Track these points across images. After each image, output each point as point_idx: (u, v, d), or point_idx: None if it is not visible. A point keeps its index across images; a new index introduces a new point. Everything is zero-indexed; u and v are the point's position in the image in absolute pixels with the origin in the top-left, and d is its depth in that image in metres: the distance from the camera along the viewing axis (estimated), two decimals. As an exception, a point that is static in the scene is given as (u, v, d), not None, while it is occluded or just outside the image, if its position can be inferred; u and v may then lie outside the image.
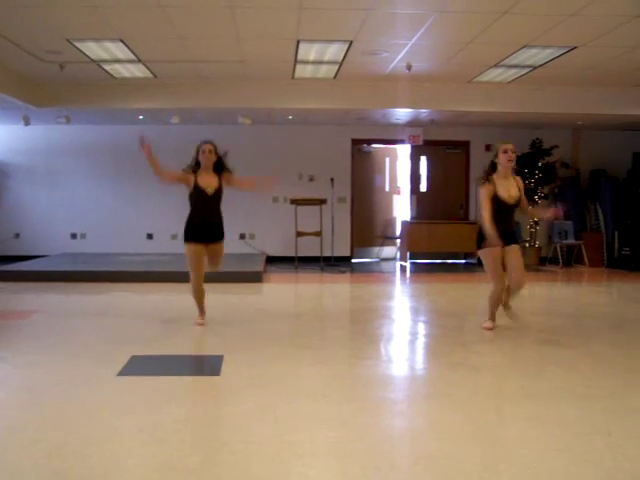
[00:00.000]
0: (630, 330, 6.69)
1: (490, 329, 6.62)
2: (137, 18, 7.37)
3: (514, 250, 6.42)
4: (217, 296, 9.03)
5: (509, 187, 6.39)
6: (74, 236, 13.71)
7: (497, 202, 6.32)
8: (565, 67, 9.38)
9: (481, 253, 6.51)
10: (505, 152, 6.32)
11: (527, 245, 13.63)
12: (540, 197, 13.30)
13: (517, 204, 6.43)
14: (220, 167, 6.69)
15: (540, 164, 13.20)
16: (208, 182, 6.54)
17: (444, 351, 5.83)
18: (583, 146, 14.18)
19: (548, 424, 3.79)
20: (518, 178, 6.56)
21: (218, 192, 6.61)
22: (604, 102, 11.02)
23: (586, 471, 3.10)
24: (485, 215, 6.33)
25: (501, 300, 6.65)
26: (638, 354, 5.60)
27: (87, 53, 8.78)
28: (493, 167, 6.41)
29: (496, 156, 6.40)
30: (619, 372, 4.77)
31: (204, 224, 6.59)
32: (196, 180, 6.53)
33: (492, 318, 6.74)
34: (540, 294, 10.18)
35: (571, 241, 13.30)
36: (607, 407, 4.15)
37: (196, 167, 6.59)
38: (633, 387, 4.58)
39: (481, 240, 6.44)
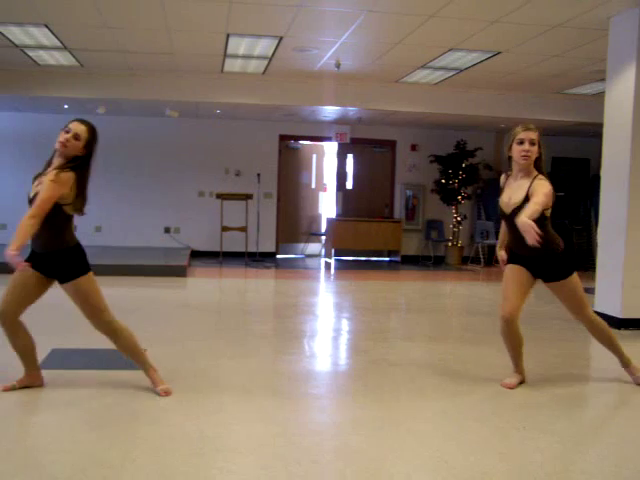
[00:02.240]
0: (542, 327, 6.91)
1: (511, 387, 4.57)
2: (63, 3, 7.19)
3: (559, 290, 4.51)
4: (140, 290, 8.94)
5: (516, 191, 4.40)
6: (-8, 226, 13.33)
7: (499, 211, 4.56)
8: (489, 71, 9.61)
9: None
10: (521, 143, 4.35)
11: (450, 245, 13.91)
12: (463, 197, 13.60)
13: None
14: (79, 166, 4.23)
15: (464, 165, 13.48)
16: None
17: (366, 347, 5.91)
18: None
19: (465, 419, 3.89)
20: (541, 181, 4.31)
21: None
22: (525, 107, 11.32)
23: (500, 464, 3.20)
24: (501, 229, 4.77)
25: (514, 344, 4.58)
26: (552, 350, 5.79)
27: (10, 37, 8.52)
28: (509, 162, 4.54)
29: (509, 148, 4.45)
30: (531, 367, 4.93)
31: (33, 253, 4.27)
32: None
33: (516, 369, 4.68)
34: (460, 293, 10.42)
35: (493, 241, 13.62)
36: (521, 402, 4.29)
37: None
38: (545, 382, 4.73)
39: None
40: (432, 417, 3.95)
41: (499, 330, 4.55)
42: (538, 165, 4.42)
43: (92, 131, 4.25)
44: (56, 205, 3.96)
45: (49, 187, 3.90)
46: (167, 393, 4.16)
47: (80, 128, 4.15)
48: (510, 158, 4.47)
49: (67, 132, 4.09)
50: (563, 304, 4.61)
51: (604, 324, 4.69)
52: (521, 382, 4.65)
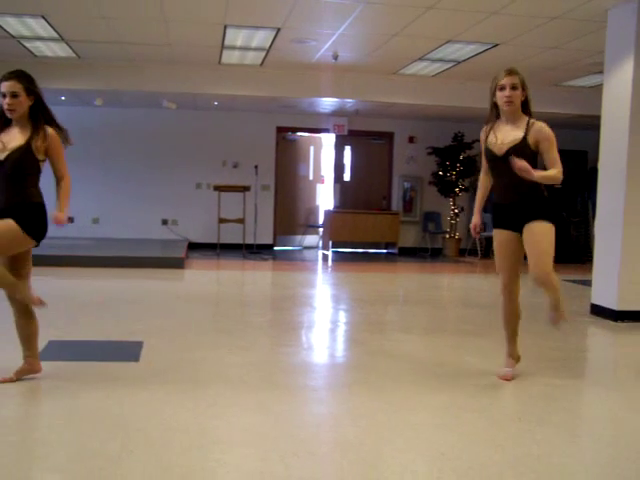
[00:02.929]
0: (538, 320, 6.92)
1: (507, 379, 4.53)
2: (60, -5, 7.19)
3: (530, 230, 4.29)
4: (137, 281, 8.94)
5: (510, 132, 4.30)
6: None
7: (489, 156, 4.40)
8: (487, 63, 9.59)
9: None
10: (502, 89, 4.23)
11: (447, 237, 13.92)
12: (461, 189, 13.61)
13: (517, 154, 4.14)
14: (37, 118, 4.02)
15: (462, 157, 13.48)
16: (7, 140, 3.95)
17: (364, 339, 5.91)
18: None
19: (462, 411, 3.90)
20: (539, 124, 4.29)
21: (16, 157, 3.89)
22: (523, 99, 11.28)
23: (497, 456, 3.21)
24: (480, 176, 4.70)
25: (512, 318, 4.59)
26: (549, 342, 5.80)
27: (6, 28, 8.49)
28: (496, 110, 4.37)
29: (493, 94, 4.32)
30: (531, 359, 4.94)
31: None
32: None
33: (510, 351, 4.60)
34: (458, 285, 10.43)
35: (490, 233, 13.59)
36: (518, 394, 4.30)
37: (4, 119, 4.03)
38: (541, 374, 4.74)
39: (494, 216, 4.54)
40: (429, 409, 3.95)
41: (500, 305, 4.56)
42: (527, 108, 4.34)
43: (22, 76, 4.00)
44: (33, 158, 3.97)
45: (60, 150, 4.06)
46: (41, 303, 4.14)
47: (10, 84, 3.92)
48: (495, 105, 4.35)
49: (4, 96, 3.92)
50: (528, 253, 4.30)
51: (558, 287, 4.38)
52: (517, 361, 4.64)
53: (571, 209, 13.84)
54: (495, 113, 4.39)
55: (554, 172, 4.18)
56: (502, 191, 4.40)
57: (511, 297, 4.52)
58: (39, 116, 4.01)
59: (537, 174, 4.09)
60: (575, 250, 13.24)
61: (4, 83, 3.92)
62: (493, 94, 4.31)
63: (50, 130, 4.00)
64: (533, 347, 5.44)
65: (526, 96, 4.31)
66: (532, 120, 4.29)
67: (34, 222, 3.97)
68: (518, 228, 4.35)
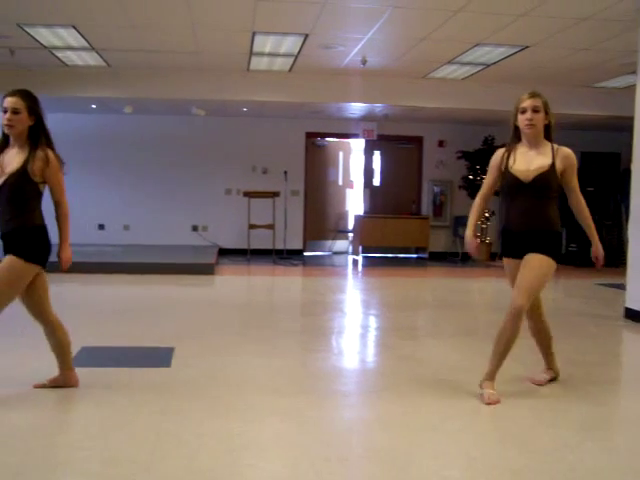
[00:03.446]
0: (572, 324, 6.84)
1: (540, 383, 4.49)
2: (90, 4, 7.27)
3: (528, 260, 4.15)
4: (168, 287, 8.99)
5: (534, 159, 4.15)
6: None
7: (509, 180, 4.21)
8: (517, 66, 9.53)
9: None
10: (524, 112, 4.13)
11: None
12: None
13: (544, 183, 4.09)
14: (36, 139, 3.92)
15: (492, 161, 13.36)
16: (6, 163, 3.89)
17: (394, 344, 5.89)
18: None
19: (494, 416, 3.87)
20: (565, 150, 4.16)
21: (12, 182, 3.82)
22: (553, 101, 10.94)
23: (531, 463, 3.17)
24: (476, 199, 4.47)
25: (540, 336, 4.51)
26: (583, 347, 5.73)
27: (38, 39, 8.62)
28: (516, 132, 4.25)
29: (515, 117, 4.21)
30: (564, 364, 4.88)
31: None
32: None
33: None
34: (488, 289, 10.35)
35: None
36: (552, 400, 4.25)
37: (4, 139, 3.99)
38: (574, 378, 4.68)
39: (503, 244, 4.43)
40: (461, 414, 3.92)
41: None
42: (548, 134, 4.21)
43: (26, 95, 3.92)
44: (31, 182, 3.86)
45: (59, 176, 3.95)
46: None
47: (13, 100, 3.84)
48: (517, 128, 4.22)
49: (5, 111, 3.83)
50: (517, 281, 4.16)
51: (519, 329, 4.14)
52: (552, 379, 4.58)
53: (604, 212, 13.67)
54: (516, 136, 4.26)
55: (587, 211, 4.25)
56: (516, 217, 4.24)
57: (532, 317, 4.39)
58: (38, 138, 3.92)
59: (595, 240, 4.30)
60: (608, 254, 13.06)
61: (8, 99, 3.87)
62: (515, 117, 4.20)
63: (51, 154, 3.90)
64: (566, 351, 5.37)
65: (549, 121, 4.19)
66: (556, 146, 4.18)
67: (35, 248, 3.90)
68: (520, 254, 4.21)
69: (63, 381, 4.22)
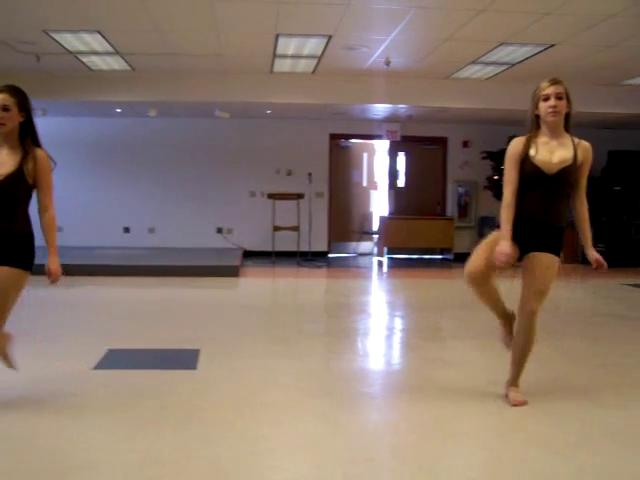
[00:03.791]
0: (600, 325, 6.76)
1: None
2: (115, 9, 7.31)
3: (538, 260, 4.02)
4: (193, 290, 9.03)
5: (557, 150, 3.95)
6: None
7: (530, 171, 3.94)
8: (543, 65, 9.44)
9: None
10: (547, 99, 3.94)
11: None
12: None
13: (566, 177, 3.92)
14: (26, 137, 3.75)
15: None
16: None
17: (420, 346, 5.87)
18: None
19: (520, 417, 3.83)
20: (585, 144, 4.04)
21: (6, 185, 3.65)
22: (579, 99, 10.87)
23: (558, 466, 3.14)
24: (505, 193, 4.01)
25: (492, 298, 4.54)
26: (609, 348, 5.67)
27: (64, 44, 8.70)
28: (537, 122, 4.08)
29: (536, 106, 4.03)
30: (591, 366, 4.83)
31: None
32: None
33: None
34: (513, 290, 10.25)
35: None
36: (578, 400, 4.20)
37: None
38: (602, 380, 4.63)
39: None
40: (486, 415, 3.90)
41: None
42: (567, 124, 4.01)
43: (15, 91, 3.71)
44: (26, 184, 3.70)
45: (50, 178, 3.75)
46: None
47: (3, 97, 3.63)
48: (537, 117, 4.01)
49: None
50: (524, 282, 4.12)
51: (535, 333, 4.05)
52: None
53: (632, 211, 13.51)
54: (535, 125, 4.07)
55: (588, 213, 4.08)
56: (531, 208, 3.98)
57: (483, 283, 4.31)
58: (29, 135, 3.72)
59: (589, 244, 4.09)
60: (636, 253, 12.92)
61: None
62: (535, 105, 4.00)
63: (40, 152, 3.72)
64: (595, 353, 5.32)
65: (569, 109, 4.01)
66: (576, 139, 4.02)
67: (24, 254, 3.73)
68: (523, 248, 4.03)
69: None
